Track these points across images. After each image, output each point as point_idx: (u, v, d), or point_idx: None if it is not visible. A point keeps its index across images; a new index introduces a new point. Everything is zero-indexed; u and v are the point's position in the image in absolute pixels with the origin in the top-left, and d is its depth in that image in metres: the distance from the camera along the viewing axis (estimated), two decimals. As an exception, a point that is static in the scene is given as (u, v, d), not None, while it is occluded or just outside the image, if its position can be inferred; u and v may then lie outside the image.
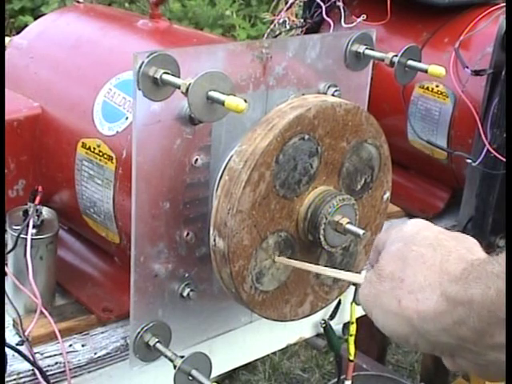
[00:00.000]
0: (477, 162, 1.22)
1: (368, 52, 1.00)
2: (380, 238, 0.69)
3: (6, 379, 0.86)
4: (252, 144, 0.83)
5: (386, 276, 0.64)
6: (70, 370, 0.91)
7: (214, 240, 0.84)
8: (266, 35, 1.65)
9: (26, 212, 0.94)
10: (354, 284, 1.02)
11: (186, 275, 0.91)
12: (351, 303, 1.18)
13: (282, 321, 0.94)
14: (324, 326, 1.19)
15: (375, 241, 0.70)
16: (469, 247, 0.63)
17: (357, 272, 1.02)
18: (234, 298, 0.89)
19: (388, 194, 0.99)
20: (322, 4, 1.44)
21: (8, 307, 0.95)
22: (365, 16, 1.38)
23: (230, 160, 0.85)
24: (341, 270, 0.88)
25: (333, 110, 0.87)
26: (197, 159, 0.87)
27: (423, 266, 0.62)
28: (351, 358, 1.24)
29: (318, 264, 0.94)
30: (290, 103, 0.86)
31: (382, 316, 0.64)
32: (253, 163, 0.82)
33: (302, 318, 0.96)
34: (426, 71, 0.98)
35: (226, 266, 0.84)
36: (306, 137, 0.86)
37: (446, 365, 0.63)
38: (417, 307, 0.60)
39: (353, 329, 1.21)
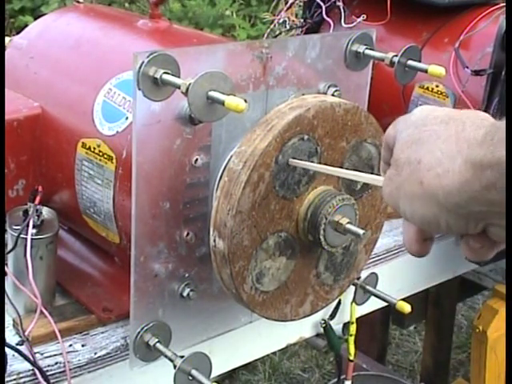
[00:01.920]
0: (477, 162, 1.22)
1: (368, 52, 1.00)
2: (389, 133, 0.66)
3: (6, 379, 0.86)
4: (251, 145, 0.83)
5: (402, 164, 0.61)
6: (70, 370, 0.91)
7: (214, 241, 0.84)
8: (266, 35, 1.65)
9: (26, 212, 0.94)
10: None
11: (186, 275, 0.91)
12: (351, 303, 1.18)
13: (282, 321, 0.94)
14: (324, 325, 1.19)
15: (384, 138, 0.67)
16: (483, 117, 0.60)
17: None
18: (234, 299, 0.89)
19: None
20: (322, 4, 1.45)
21: (8, 307, 0.95)
22: (365, 16, 1.38)
23: (229, 161, 0.85)
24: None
25: (332, 109, 0.87)
26: (197, 159, 0.87)
27: (438, 141, 0.59)
28: (351, 357, 1.23)
29: (317, 265, 0.94)
30: (289, 104, 0.86)
31: (409, 205, 0.61)
32: (252, 164, 0.82)
33: (302, 317, 0.96)
34: (426, 71, 0.98)
35: (226, 267, 0.84)
36: (306, 137, 0.86)
37: (468, 252, 0.61)
38: (440, 182, 0.58)
39: (353, 329, 1.21)
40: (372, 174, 0.74)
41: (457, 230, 0.60)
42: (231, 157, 0.85)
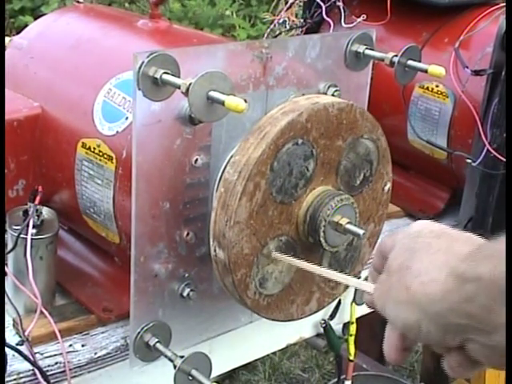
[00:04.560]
0: (477, 162, 1.22)
1: (368, 52, 1.00)
2: (385, 242, 0.69)
3: (6, 379, 0.86)
4: (245, 154, 0.82)
5: (393, 270, 0.64)
6: (70, 369, 0.91)
7: (215, 250, 0.84)
8: (266, 35, 1.65)
9: (26, 212, 0.94)
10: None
11: (186, 275, 0.91)
12: (351, 303, 1.18)
13: (289, 320, 0.94)
14: (324, 326, 1.19)
15: (379, 245, 0.70)
16: (476, 237, 0.63)
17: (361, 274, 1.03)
18: (239, 303, 0.89)
19: (389, 185, 0.98)
20: (322, 4, 1.44)
21: (8, 307, 0.95)
22: (365, 16, 1.38)
23: (224, 171, 0.85)
24: (345, 271, 0.90)
25: (325, 111, 0.87)
26: (197, 159, 0.87)
27: (429, 251, 0.62)
28: (351, 357, 1.24)
29: (321, 263, 0.93)
30: (281, 108, 0.86)
31: (394, 309, 0.64)
32: (247, 174, 0.81)
33: (309, 315, 0.96)
34: (426, 71, 0.98)
35: (228, 276, 0.84)
36: (300, 141, 0.85)
37: (448, 370, 0.63)
38: (424, 290, 0.60)
39: (353, 329, 1.21)
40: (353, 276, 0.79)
41: (435, 340, 0.62)
42: (226, 167, 0.85)
